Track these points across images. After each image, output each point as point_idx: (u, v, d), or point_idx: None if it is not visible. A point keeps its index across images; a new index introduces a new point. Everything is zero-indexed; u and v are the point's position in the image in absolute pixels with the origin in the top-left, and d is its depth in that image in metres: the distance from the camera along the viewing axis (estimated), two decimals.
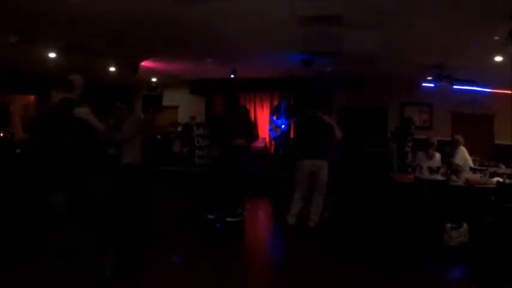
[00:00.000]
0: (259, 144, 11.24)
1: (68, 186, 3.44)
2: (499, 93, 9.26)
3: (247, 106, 11.58)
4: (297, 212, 5.53)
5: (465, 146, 6.69)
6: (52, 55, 7.31)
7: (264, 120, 11.54)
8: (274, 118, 10.69)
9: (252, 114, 11.80)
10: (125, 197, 3.75)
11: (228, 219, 5.65)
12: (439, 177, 5.49)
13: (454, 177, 5.48)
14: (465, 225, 4.73)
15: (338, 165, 6.12)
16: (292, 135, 9.91)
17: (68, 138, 3.53)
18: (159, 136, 11.14)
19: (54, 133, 3.50)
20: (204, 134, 9.18)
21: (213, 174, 6.35)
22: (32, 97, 12.64)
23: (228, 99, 6.57)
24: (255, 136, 6.65)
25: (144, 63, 8.65)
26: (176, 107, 12.40)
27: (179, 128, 11.35)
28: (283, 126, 10.34)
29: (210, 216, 5.75)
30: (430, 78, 8.39)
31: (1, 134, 10.96)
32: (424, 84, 9.15)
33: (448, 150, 6.75)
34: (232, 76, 9.28)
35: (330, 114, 6.02)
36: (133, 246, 4.43)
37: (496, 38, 5.35)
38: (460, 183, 5.31)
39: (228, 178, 5.85)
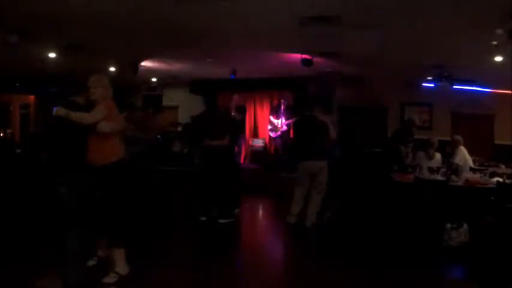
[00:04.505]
0: (259, 144, 11.26)
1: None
2: (499, 93, 9.26)
3: (247, 106, 11.62)
4: (298, 212, 5.54)
5: (465, 146, 6.69)
6: (52, 55, 7.30)
7: (263, 120, 11.53)
8: (274, 118, 10.70)
9: (252, 114, 11.80)
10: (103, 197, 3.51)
11: (220, 221, 5.64)
12: (439, 177, 5.49)
13: (454, 177, 5.48)
14: (465, 225, 4.73)
15: (337, 166, 6.12)
16: (292, 136, 9.90)
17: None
18: (159, 136, 11.11)
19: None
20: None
21: (196, 175, 6.25)
22: (32, 97, 12.63)
23: (205, 99, 6.43)
24: (235, 136, 6.44)
25: (144, 63, 8.64)
26: (176, 107, 12.39)
27: (179, 128, 11.32)
28: (283, 126, 10.36)
29: (202, 218, 5.71)
30: (430, 78, 8.39)
31: (1, 134, 10.98)
32: (424, 84, 9.16)
33: (448, 150, 6.75)
34: (232, 76, 9.27)
35: (328, 113, 5.98)
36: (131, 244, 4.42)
37: (494, 42, 5.35)
38: (460, 183, 5.31)
39: (209, 180, 5.78)
